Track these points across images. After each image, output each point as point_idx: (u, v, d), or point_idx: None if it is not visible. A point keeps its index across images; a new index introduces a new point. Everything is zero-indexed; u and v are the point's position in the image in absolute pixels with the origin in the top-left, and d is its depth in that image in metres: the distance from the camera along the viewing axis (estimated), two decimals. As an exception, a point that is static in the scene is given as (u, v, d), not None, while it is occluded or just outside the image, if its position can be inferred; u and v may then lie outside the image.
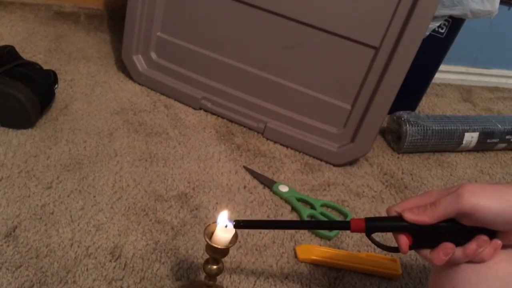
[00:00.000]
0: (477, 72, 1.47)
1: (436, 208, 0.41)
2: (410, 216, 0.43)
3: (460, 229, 0.42)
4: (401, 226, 0.44)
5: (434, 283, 0.47)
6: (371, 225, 0.46)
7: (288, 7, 0.82)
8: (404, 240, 0.44)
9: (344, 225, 0.47)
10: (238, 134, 0.92)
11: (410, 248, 0.45)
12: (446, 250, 0.42)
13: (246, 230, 0.69)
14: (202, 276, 0.57)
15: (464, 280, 0.43)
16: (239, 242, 0.67)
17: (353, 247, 0.71)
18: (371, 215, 0.78)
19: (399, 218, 0.44)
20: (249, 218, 0.72)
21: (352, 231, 0.47)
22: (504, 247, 0.43)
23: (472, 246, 0.42)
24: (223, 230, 0.47)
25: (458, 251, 0.42)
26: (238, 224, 0.47)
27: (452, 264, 0.44)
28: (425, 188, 0.90)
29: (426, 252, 0.44)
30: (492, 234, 0.42)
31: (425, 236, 0.44)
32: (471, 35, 1.30)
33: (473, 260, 0.43)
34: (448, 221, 0.42)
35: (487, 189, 0.40)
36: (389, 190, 0.86)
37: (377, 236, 0.48)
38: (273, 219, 0.73)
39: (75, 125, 0.81)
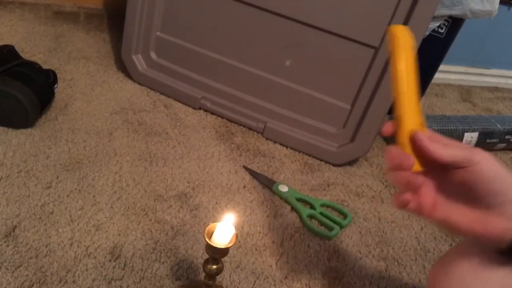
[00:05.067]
0: (477, 72, 1.47)
1: (449, 148, 0.42)
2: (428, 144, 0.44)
3: None
4: None
5: (432, 282, 0.47)
6: None
7: (288, 7, 0.82)
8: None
9: None
10: (237, 134, 0.91)
11: None
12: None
13: (246, 230, 0.69)
14: (202, 276, 0.57)
15: (459, 280, 0.43)
16: (239, 242, 0.67)
17: (353, 247, 0.71)
18: (371, 215, 0.78)
19: None
20: (249, 218, 0.72)
21: None
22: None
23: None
24: (223, 230, 0.47)
25: None
26: None
27: None
28: (425, 188, 0.90)
29: None
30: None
31: None
32: (471, 35, 1.30)
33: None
34: None
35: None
36: (388, 190, 0.86)
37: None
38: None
39: (74, 125, 0.81)
